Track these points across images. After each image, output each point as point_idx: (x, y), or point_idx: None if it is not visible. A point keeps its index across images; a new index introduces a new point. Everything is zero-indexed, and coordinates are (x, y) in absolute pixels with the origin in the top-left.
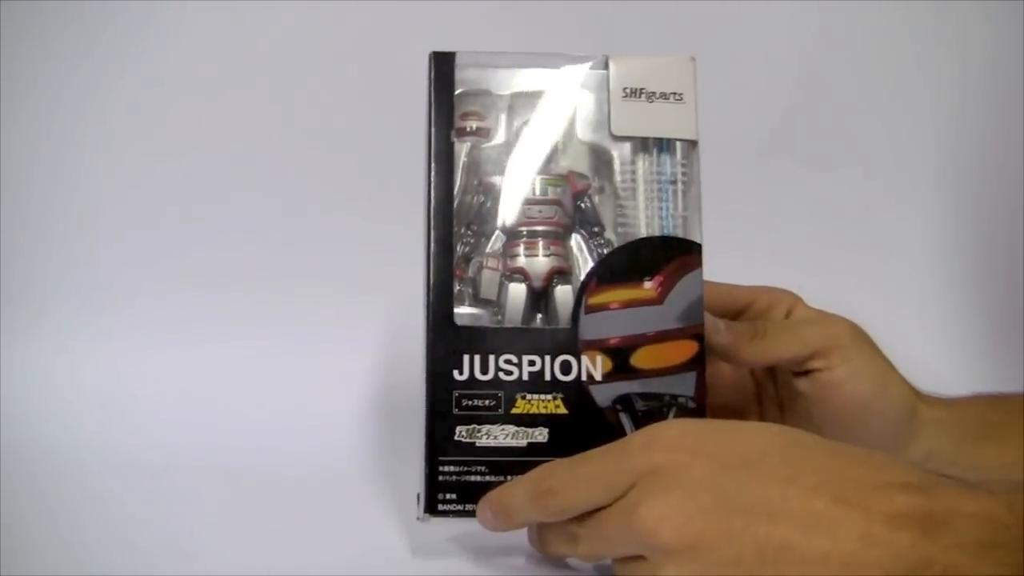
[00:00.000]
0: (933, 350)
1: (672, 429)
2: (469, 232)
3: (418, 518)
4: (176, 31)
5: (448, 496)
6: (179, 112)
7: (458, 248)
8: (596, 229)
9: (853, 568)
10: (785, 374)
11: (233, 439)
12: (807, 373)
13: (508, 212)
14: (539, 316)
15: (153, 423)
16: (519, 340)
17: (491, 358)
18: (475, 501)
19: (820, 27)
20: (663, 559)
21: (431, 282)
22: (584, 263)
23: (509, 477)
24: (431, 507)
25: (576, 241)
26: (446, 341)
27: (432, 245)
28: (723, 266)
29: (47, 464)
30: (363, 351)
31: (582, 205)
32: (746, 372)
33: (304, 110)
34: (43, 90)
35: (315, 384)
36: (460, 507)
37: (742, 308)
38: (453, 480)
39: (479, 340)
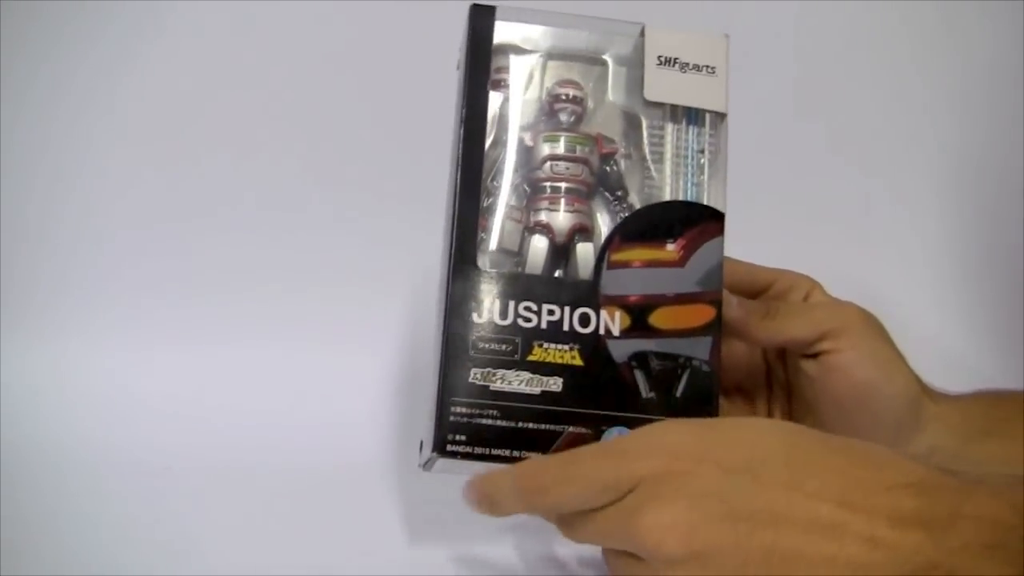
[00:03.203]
0: (948, 338)
1: (671, 433)
2: (495, 184)
3: (420, 465)
4: (177, 29)
5: (458, 437)
6: (181, 109)
7: (482, 199)
8: (620, 193)
9: (859, 571)
10: (794, 357)
11: (234, 439)
12: (815, 356)
13: (535, 166)
14: (558, 272)
15: (155, 423)
16: (540, 288)
17: (511, 303)
18: (485, 445)
19: (820, 26)
20: (668, 568)
21: (455, 223)
22: (605, 226)
23: (521, 423)
24: (440, 447)
25: (599, 203)
26: (467, 283)
27: (458, 189)
28: (743, 251)
29: (50, 464)
30: (368, 351)
31: (608, 168)
32: (758, 355)
33: (308, 105)
34: (43, 91)
35: (317, 384)
36: (469, 449)
37: (761, 288)
38: (464, 421)
39: (500, 284)
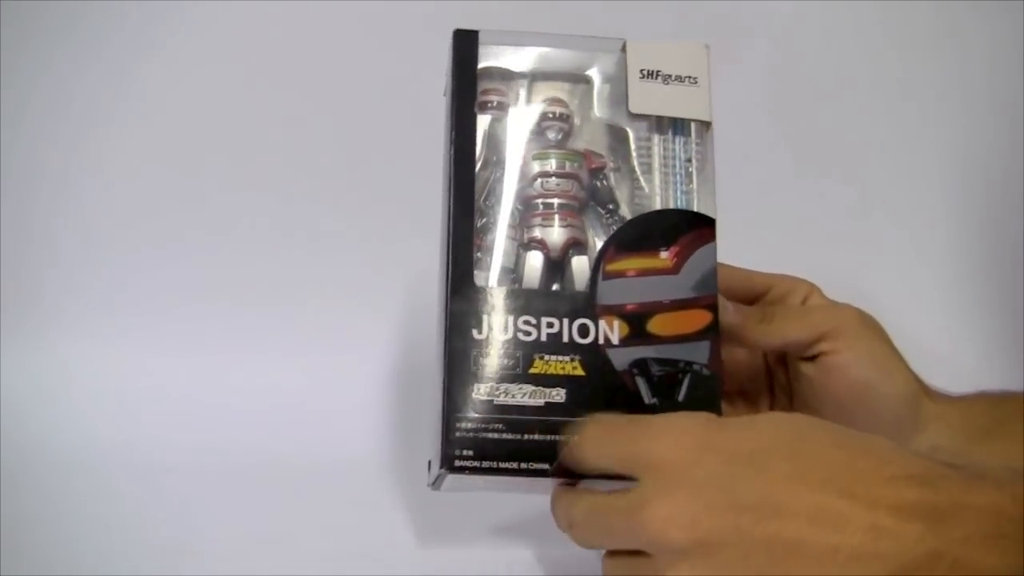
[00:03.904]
0: (950, 340)
1: (680, 421)
2: (487, 204)
3: (429, 484)
4: (183, 45)
5: (465, 452)
6: (186, 118)
7: (476, 220)
8: (611, 207)
9: (862, 561)
10: (794, 361)
11: (236, 441)
12: (814, 358)
13: (526, 184)
14: (555, 286)
15: (158, 425)
16: (537, 302)
17: (510, 318)
18: (492, 459)
19: (819, 26)
20: (671, 558)
21: (451, 243)
22: (598, 239)
23: (526, 435)
24: (448, 463)
25: (591, 217)
26: (465, 300)
27: (452, 210)
28: (740, 258)
29: (53, 465)
30: (369, 354)
31: (598, 183)
32: (760, 359)
33: (311, 118)
34: (48, 94)
35: (319, 386)
36: (477, 464)
37: (759, 294)
38: (470, 437)
39: (498, 300)
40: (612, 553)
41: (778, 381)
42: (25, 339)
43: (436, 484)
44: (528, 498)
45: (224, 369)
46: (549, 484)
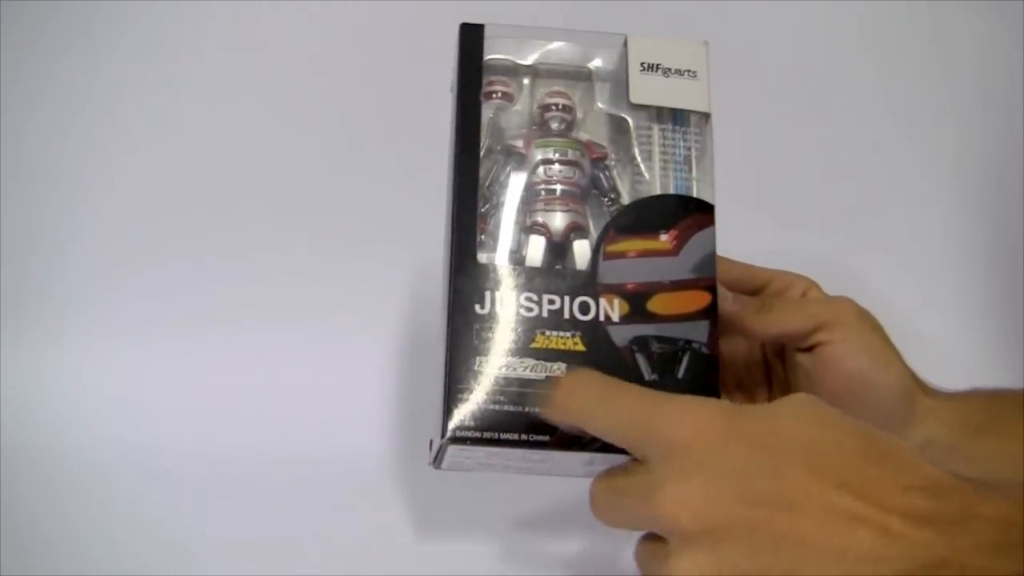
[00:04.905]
0: (950, 338)
1: (705, 407)
2: (490, 191)
3: (430, 463)
4: (190, 54)
5: (467, 423)
6: (192, 125)
7: (479, 204)
8: (613, 195)
9: (869, 565)
10: (791, 352)
11: (237, 442)
12: (810, 350)
13: (529, 171)
14: (556, 268)
15: (158, 427)
16: (539, 280)
17: (512, 295)
18: (494, 430)
19: (819, 24)
20: (680, 544)
21: (455, 223)
22: (599, 227)
23: (527, 408)
24: (450, 434)
25: (592, 206)
26: (468, 276)
27: (456, 192)
28: (740, 255)
29: (53, 468)
30: (369, 353)
31: (599, 173)
32: (758, 351)
33: (314, 123)
34: (56, 101)
35: (319, 386)
36: (478, 435)
37: (759, 287)
38: (472, 408)
39: (501, 277)
40: (642, 538)
41: (776, 374)
42: (30, 342)
43: (437, 460)
44: (522, 496)
45: (224, 372)
46: (547, 463)
